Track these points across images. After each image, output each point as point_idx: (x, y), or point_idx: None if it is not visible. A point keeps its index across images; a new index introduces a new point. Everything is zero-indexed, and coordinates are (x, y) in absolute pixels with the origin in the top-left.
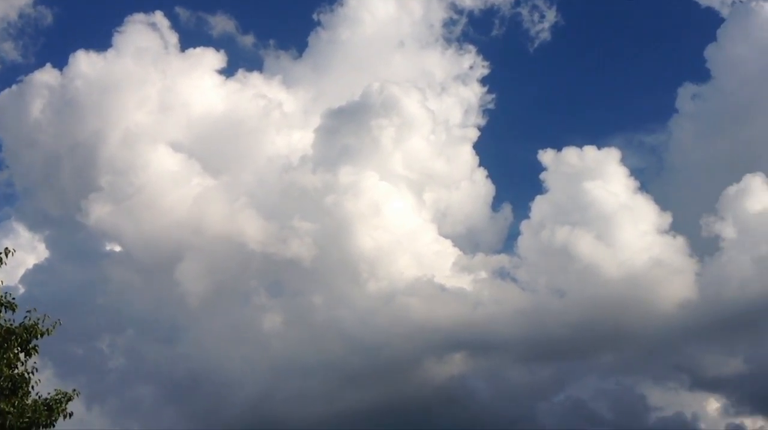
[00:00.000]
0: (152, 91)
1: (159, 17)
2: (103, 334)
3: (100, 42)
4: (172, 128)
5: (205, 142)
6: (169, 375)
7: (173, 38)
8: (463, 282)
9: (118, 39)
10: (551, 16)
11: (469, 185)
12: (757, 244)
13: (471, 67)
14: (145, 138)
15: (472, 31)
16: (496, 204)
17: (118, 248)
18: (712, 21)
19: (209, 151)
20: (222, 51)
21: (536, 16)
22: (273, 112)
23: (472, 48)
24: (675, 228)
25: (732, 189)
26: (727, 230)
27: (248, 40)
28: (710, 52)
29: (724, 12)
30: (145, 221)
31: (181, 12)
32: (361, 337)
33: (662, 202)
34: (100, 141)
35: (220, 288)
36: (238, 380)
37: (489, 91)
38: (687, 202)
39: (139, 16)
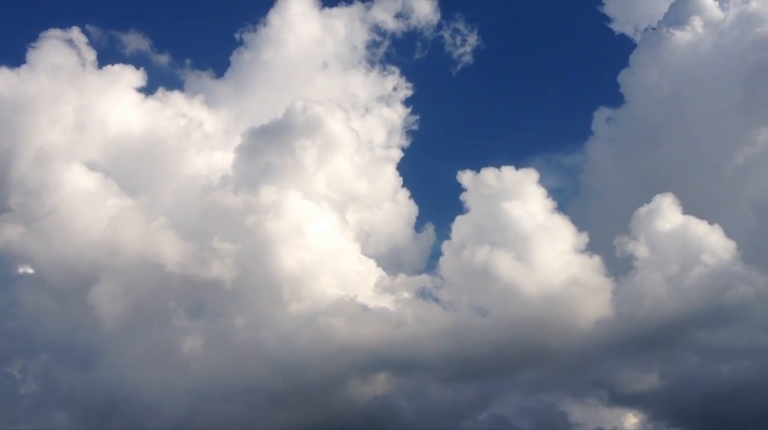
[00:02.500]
0: (68, 109)
1: (76, 33)
2: (15, 359)
3: (14, 58)
4: (87, 147)
5: (123, 161)
6: (85, 400)
7: (91, 55)
8: (386, 302)
9: (32, 55)
10: (473, 40)
11: (392, 206)
12: (668, 263)
13: (394, 89)
14: (60, 157)
15: (395, 53)
16: (419, 224)
17: (30, 271)
18: (625, 47)
19: (126, 171)
20: (142, 69)
21: (458, 40)
22: (193, 131)
23: (395, 69)
24: (591, 248)
25: (643, 210)
26: (640, 250)
27: (164, 59)
28: (623, 77)
29: (636, 39)
30: (58, 242)
31: (93, 30)
32: (284, 358)
33: (579, 222)
34: (11, 161)
35: (137, 311)
36: (157, 404)
37: (412, 113)
38: (602, 222)
39: (56, 32)
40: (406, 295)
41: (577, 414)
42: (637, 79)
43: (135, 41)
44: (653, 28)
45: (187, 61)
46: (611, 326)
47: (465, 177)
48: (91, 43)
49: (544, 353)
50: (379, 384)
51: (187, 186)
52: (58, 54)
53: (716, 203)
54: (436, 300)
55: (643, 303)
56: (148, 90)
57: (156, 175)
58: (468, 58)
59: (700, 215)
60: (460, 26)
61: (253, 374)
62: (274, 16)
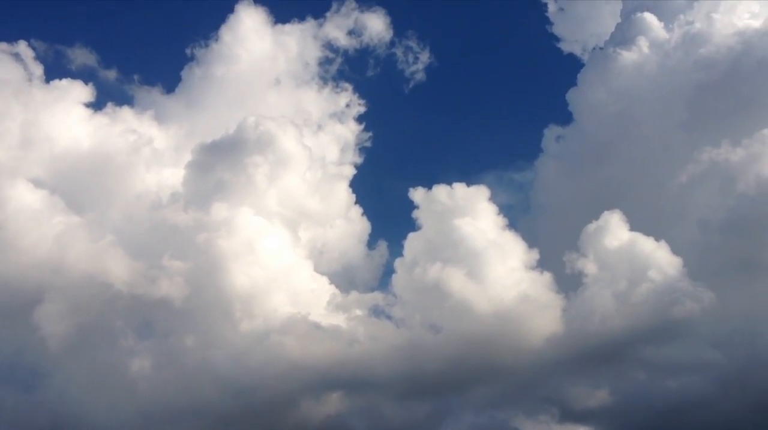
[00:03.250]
0: (13, 125)
1: (23, 47)
2: None
3: None
4: (33, 163)
5: (70, 178)
6: (30, 424)
7: (38, 70)
8: (339, 320)
9: None
10: (425, 57)
11: (344, 223)
12: (616, 279)
13: (347, 106)
14: (4, 174)
15: (348, 69)
16: (371, 242)
17: None
18: (573, 67)
19: (73, 188)
20: (90, 84)
21: (411, 57)
22: (143, 147)
23: (348, 86)
24: (542, 264)
25: (592, 226)
26: (589, 266)
27: (111, 74)
28: (572, 96)
29: (584, 58)
30: (2, 261)
31: (38, 44)
32: (235, 378)
33: (530, 239)
34: None
35: (84, 331)
36: (104, 427)
37: (365, 130)
38: (553, 239)
39: (2, 46)
40: (358, 313)
41: None
42: (585, 97)
43: (82, 56)
44: (600, 48)
45: (136, 77)
46: (561, 343)
47: (417, 194)
48: (38, 57)
49: (496, 370)
50: (333, 403)
51: (136, 203)
52: (4, 68)
53: (662, 220)
54: (389, 318)
55: (593, 319)
56: (96, 105)
57: (104, 192)
58: (420, 76)
59: (647, 232)
60: (413, 44)
61: (203, 395)
62: (226, 32)
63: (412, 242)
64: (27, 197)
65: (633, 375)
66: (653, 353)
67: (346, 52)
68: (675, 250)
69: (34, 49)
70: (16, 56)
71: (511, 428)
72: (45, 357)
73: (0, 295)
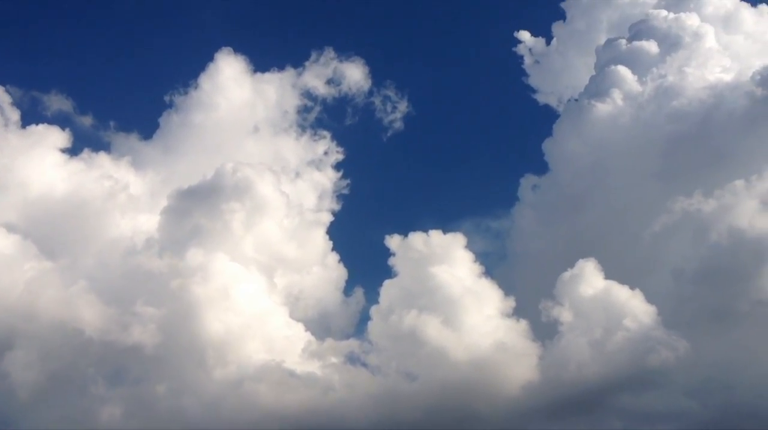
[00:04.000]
0: None
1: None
2: None
3: None
4: (7, 208)
5: (43, 223)
6: None
7: (14, 115)
8: (314, 367)
9: None
10: (403, 106)
11: (321, 269)
12: (591, 327)
13: (325, 153)
14: None
15: (326, 118)
16: (348, 288)
17: None
18: (548, 117)
19: (47, 233)
20: (67, 129)
21: (389, 106)
22: (119, 193)
23: (326, 134)
24: (518, 312)
25: (567, 275)
26: (565, 314)
27: (87, 120)
28: (547, 146)
29: (560, 109)
30: None
31: (13, 90)
32: (207, 426)
33: (506, 286)
34: None
35: (54, 378)
36: None
37: (343, 177)
38: (529, 287)
39: None
40: (334, 360)
41: None
42: (561, 148)
43: (58, 102)
44: (576, 100)
45: (112, 123)
46: (538, 391)
47: (393, 241)
48: (14, 103)
49: (473, 418)
50: None
51: (110, 249)
52: None
53: (637, 269)
54: (365, 365)
55: (569, 367)
56: (73, 151)
57: (78, 238)
58: (398, 125)
59: (622, 280)
60: (391, 93)
61: None
62: (205, 80)
63: (388, 289)
64: None
65: (609, 423)
66: (629, 401)
67: (324, 101)
68: (649, 298)
69: (10, 94)
70: None
71: None
72: (14, 405)
73: None
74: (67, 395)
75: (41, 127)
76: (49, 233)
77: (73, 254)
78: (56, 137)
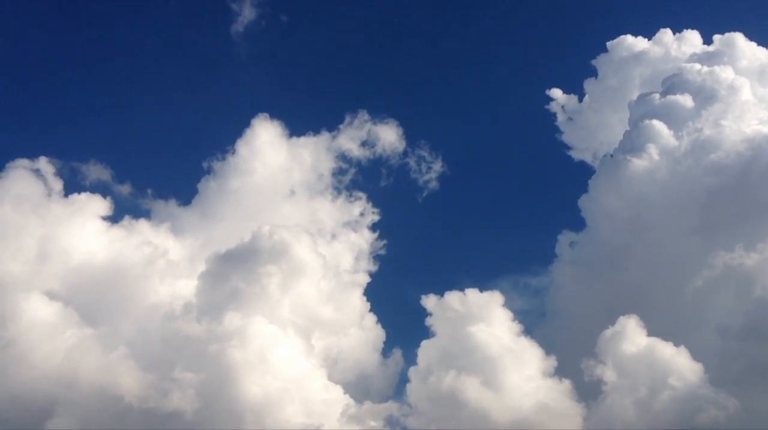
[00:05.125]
0: (30, 239)
1: (43, 163)
2: None
3: None
4: (49, 277)
5: (84, 290)
6: None
7: (57, 185)
8: None
9: None
10: (437, 166)
11: (359, 331)
12: (636, 386)
13: (361, 214)
14: (19, 287)
15: (361, 179)
16: (386, 350)
17: None
18: (584, 173)
19: (87, 300)
20: (108, 197)
21: (423, 167)
22: (158, 259)
23: (362, 195)
24: (560, 372)
25: (608, 332)
26: (608, 373)
27: (125, 189)
28: (584, 202)
29: (595, 165)
30: (13, 375)
31: (53, 161)
32: None
33: (546, 345)
34: None
35: None
36: None
37: (379, 238)
38: (570, 345)
39: (23, 162)
40: (373, 423)
41: None
42: (597, 203)
43: (96, 172)
44: (610, 155)
45: (149, 191)
46: None
47: (429, 301)
48: (56, 173)
49: None
50: None
51: (149, 315)
52: (24, 184)
53: (680, 325)
54: (405, 428)
55: (615, 428)
56: (114, 218)
57: (117, 304)
58: (434, 184)
59: (665, 337)
60: (425, 153)
61: None
62: (242, 145)
63: (426, 350)
64: (41, 310)
65: None
66: None
67: (359, 163)
68: (695, 355)
69: (52, 164)
70: (37, 172)
71: None
72: None
73: (11, 409)
74: None
75: (83, 196)
76: (90, 299)
77: (113, 320)
78: (98, 205)
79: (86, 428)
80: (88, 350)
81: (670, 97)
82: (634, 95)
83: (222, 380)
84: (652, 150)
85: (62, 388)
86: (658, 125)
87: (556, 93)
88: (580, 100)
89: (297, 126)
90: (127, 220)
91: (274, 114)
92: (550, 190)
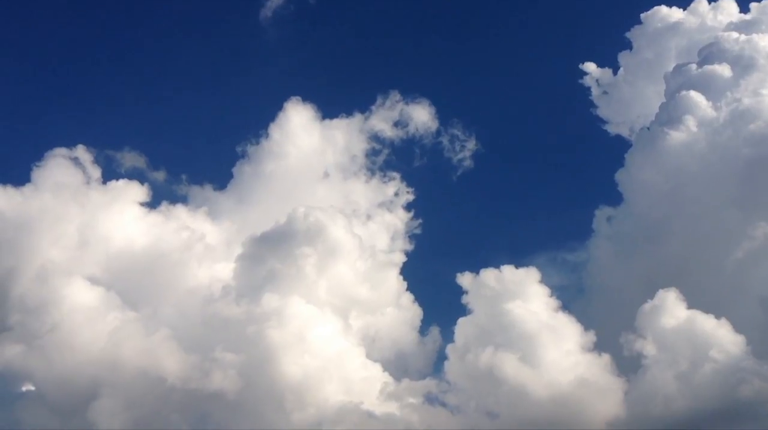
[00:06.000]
0: (71, 226)
1: (81, 152)
2: None
3: (18, 177)
4: (90, 262)
5: (125, 275)
6: None
7: (96, 172)
8: (393, 408)
9: (37, 174)
10: (471, 144)
11: (396, 310)
12: (676, 360)
13: (396, 194)
14: (61, 273)
15: (395, 160)
16: (423, 328)
17: (31, 388)
18: (620, 147)
19: (129, 285)
20: (145, 184)
21: (457, 145)
22: (196, 243)
23: (396, 175)
24: (599, 347)
25: (648, 306)
26: (648, 347)
27: (160, 175)
28: (620, 176)
29: (631, 139)
30: (58, 359)
31: (89, 149)
32: None
33: (584, 321)
34: (12, 279)
35: (139, 426)
36: None
37: (415, 217)
38: (608, 320)
39: (61, 151)
40: (412, 400)
41: None
42: (634, 177)
43: (131, 159)
44: (647, 128)
45: (184, 176)
46: (624, 427)
47: (464, 279)
48: (93, 160)
49: None
50: None
51: (189, 298)
52: (63, 172)
53: (721, 297)
54: (444, 405)
55: (656, 402)
56: (151, 204)
57: (158, 288)
58: (468, 163)
59: (706, 310)
60: (458, 132)
61: None
62: (275, 129)
63: (463, 327)
64: (83, 295)
65: None
66: None
67: (392, 143)
68: (736, 328)
69: (89, 152)
70: (75, 160)
71: None
72: None
73: (57, 392)
74: None
75: (121, 183)
76: (131, 284)
77: (154, 303)
78: (135, 192)
79: (130, 409)
80: (131, 333)
81: (707, 68)
82: (670, 67)
83: (262, 360)
84: (690, 122)
85: (106, 370)
86: (696, 96)
87: (590, 67)
88: (615, 73)
89: (329, 108)
90: (164, 205)
91: (307, 97)
92: (587, 166)
